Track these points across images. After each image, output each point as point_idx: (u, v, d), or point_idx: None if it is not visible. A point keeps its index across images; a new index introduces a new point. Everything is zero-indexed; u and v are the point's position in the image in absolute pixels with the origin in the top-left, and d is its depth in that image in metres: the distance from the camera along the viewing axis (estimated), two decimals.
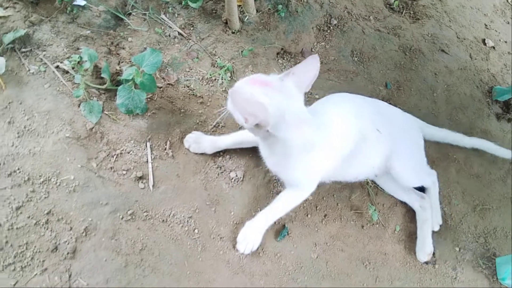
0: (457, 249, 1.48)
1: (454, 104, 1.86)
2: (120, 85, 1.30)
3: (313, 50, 1.76)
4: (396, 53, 1.89)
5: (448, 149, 1.69)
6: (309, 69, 0.96)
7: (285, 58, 1.71)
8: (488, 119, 1.88)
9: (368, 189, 1.50)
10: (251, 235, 1.23)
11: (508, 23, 2.32)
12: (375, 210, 1.44)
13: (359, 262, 1.37)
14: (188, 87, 1.50)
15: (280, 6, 1.72)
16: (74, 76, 1.26)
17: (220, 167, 1.39)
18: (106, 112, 1.30)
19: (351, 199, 1.48)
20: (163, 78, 1.48)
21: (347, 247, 1.39)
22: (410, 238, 1.46)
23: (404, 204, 1.51)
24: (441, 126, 1.68)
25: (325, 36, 1.80)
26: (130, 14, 1.56)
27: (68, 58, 1.32)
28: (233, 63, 1.60)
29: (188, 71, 1.54)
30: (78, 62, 1.29)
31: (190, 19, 1.63)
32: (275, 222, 1.33)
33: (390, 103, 1.62)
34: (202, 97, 1.50)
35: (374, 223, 1.45)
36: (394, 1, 2.09)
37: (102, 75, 1.30)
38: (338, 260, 1.35)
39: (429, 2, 2.15)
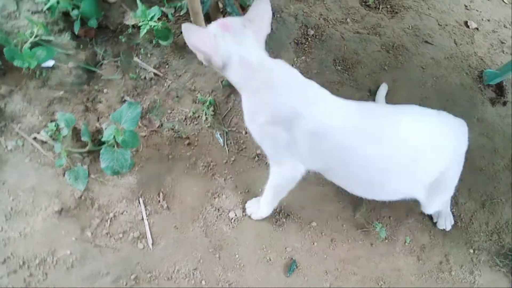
0: (471, 251, 1.45)
1: (446, 96, 1.81)
2: (103, 144, 1.26)
3: (294, 66, 1.71)
4: (380, 53, 1.84)
5: None
6: (262, 12, 0.99)
7: None
8: (483, 106, 1.84)
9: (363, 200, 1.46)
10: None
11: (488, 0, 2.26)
12: (381, 226, 1.41)
13: (373, 283, 1.34)
14: (172, 129, 1.46)
15: None
16: (53, 146, 1.22)
17: (218, 209, 1.36)
18: (93, 176, 1.27)
19: (356, 217, 1.45)
20: (145, 126, 1.44)
21: (358, 269, 1.36)
22: (422, 248, 1.43)
23: (411, 212, 1.48)
24: None
25: (304, 49, 1.75)
26: (101, 64, 1.51)
27: (44, 127, 1.28)
28: (215, 95, 1.55)
29: (170, 113, 1.50)
30: (56, 129, 1.25)
31: (164, 57, 1.58)
32: (282, 257, 1.31)
33: None
34: (188, 138, 1.46)
35: (382, 239, 1.42)
36: None
37: (82, 138, 1.26)
38: (351, 284, 1.33)
39: None
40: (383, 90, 1.68)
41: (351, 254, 1.38)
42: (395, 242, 1.43)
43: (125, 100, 1.47)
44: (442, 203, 1.33)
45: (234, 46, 0.95)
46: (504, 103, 1.86)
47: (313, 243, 1.38)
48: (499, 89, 1.89)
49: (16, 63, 1.23)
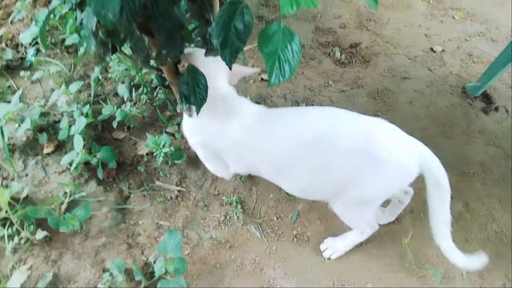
0: None
1: (442, 121, 1.92)
2: (154, 277, 1.33)
3: None
4: (368, 103, 1.99)
5: (460, 165, 1.73)
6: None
7: None
8: (478, 118, 1.94)
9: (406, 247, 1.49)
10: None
11: (441, 22, 2.49)
12: (434, 268, 1.43)
13: None
14: (211, 238, 1.53)
15: None
16: None
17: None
18: None
19: (406, 266, 1.46)
20: (186, 243, 1.51)
21: None
22: (481, 276, 1.43)
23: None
24: (442, 148, 1.74)
25: None
26: (129, 198, 1.63)
27: (99, 278, 1.35)
28: (238, 193, 1.65)
29: (204, 223, 1.58)
30: (111, 277, 1.32)
31: (182, 173, 1.71)
32: None
33: None
34: (228, 241, 1.53)
35: (440, 280, 1.43)
36: (341, 55, 2.23)
37: (136, 278, 1.33)
38: None
39: (369, 42, 2.32)
40: None
41: None
42: (454, 279, 1.44)
43: (160, 225, 1.56)
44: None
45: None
46: (496, 109, 1.97)
47: None
48: (486, 98, 2.02)
49: (62, 229, 1.34)
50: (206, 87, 1.08)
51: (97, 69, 1.40)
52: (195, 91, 1.08)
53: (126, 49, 1.49)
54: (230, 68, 0.85)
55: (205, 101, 1.09)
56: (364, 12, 2.50)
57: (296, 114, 1.24)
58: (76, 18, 1.02)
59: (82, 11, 0.96)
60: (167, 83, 1.28)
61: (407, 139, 1.14)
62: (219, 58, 1.26)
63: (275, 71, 0.76)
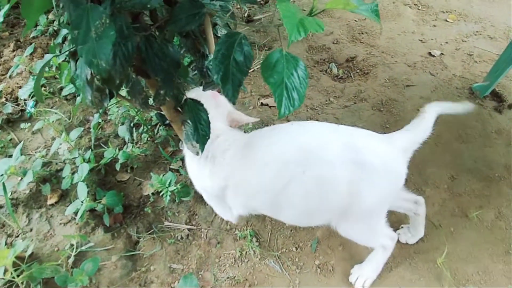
0: None
1: (455, 125, 1.85)
2: None
3: None
4: (375, 116, 1.93)
5: (483, 170, 1.63)
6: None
7: None
8: (492, 118, 1.86)
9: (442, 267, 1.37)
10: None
11: (434, 26, 2.47)
12: None
13: None
14: (228, 278, 1.43)
15: None
16: None
17: None
18: None
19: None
20: (201, 286, 1.41)
21: None
22: None
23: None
24: (461, 154, 1.66)
25: None
26: (137, 242, 1.54)
27: None
28: (252, 226, 1.56)
29: (219, 261, 1.48)
30: None
31: (191, 210, 1.63)
32: None
33: None
34: (247, 279, 1.42)
35: None
36: (338, 70, 2.20)
37: None
38: None
39: (365, 54, 2.29)
40: None
41: None
42: None
43: (173, 269, 1.46)
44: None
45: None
46: (509, 106, 1.90)
47: None
48: (496, 96, 1.95)
49: (71, 286, 1.25)
50: (208, 123, 1.02)
51: (96, 115, 1.37)
52: (198, 128, 1.03)
53: (124, 91, 1.48)
54: (234, 103, 0.80)
55: (209, 137, 1.03)
56: (355, 26, 2.49)
57: (274, 133, 1.15)
58: (70, 68, 0.99)
59: (76, 61, 0.94)
60: (167, 121, 1.24)
61: (386, 139, 1.13)
62: (221, 102, 1.25)
63: (284, 102, 0.70)
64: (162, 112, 1.21)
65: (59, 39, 1.06)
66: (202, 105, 1.01)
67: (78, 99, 1.19)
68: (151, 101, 1.03)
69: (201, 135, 1.00)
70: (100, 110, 1.34)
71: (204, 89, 1.12)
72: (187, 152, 1.24)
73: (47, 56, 0.92)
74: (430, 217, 1.52)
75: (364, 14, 0.73)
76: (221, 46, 0.73)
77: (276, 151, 1.10)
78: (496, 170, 1.64)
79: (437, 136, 1.79)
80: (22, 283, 1.31)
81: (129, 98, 1.34)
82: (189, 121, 1.00)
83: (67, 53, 0.95)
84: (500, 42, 2.30)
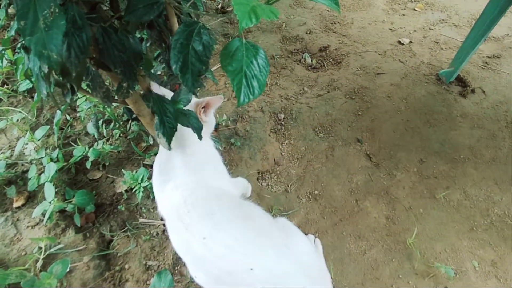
0: None
1: (423, 110, 1.90)
2: None
3: (282, 153, 1.77)
4: (347, 104, 1.95)
5: (449, 152, 1.70)
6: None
7: (265, 178, 1.70)
8: (457, 102, 1.93)
9: (412, 247, 1.42)
10: None
11: (403, 15, 2.52)
12: (445, 265, 1.36)
13: None
14: None
15: (232, 139, 1.75)
16: None
17: None
18: None
19: (416, 267, 1.39)
20: (178, 281, 1.40)
21: None
22: (494, 264, 1.37)
23: (459, 234, 1.44)
24: (428, 138, 1.71)
25: (283, 133, 1.83)
26: (112, 242, 1.51)
27: None
28: None
29: None
30: None
31: None
32: None
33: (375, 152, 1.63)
34: None
35: (453, 277, 1.35)
36: (312, 60, 2.21)
37: None
38: None
39: (337, 43, 2.31)
40: None
41: None
42: (467, 273, 1.36)
43: (148, 266, 1.44)
44: None
45: None
46: (473, 91, 1.97)
47: None
48: (461, 81, 2.01)
49: None
50: (174, 115, 1.00)
51: (58, 112, 1.31)
52: (163, 120, 1.00)
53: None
54: (194, 93, 0.77)
55: (176, 129, 1.01)
56: (327, 16, 2.51)
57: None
58: (24, 62, 0.94)
59: (28, 54, 0.89)
60: (135, 115, 1.20)
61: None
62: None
63: (243, 90, 0.69)
64: (128, 106, 1.18)
65: (12, 32, 1.00)
66: (167, 99, 0.99)
67: (36, 96, 1.13)
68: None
69: (167, 127, 0.98)
70: (63, 107, 1.29)
71: (169, 81, 1.09)
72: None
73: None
74: (401, 200, 1.57)
75: (323, 3, 0.73)
76: (180, 35, 0.71)
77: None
78: (462, 152, 1.70)
79: (406, 121, 1.84)
80: None
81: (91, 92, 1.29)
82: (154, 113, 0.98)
83: (19, 47, 0.90)
84: (464, 29, 2.37)
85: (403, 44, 2.27)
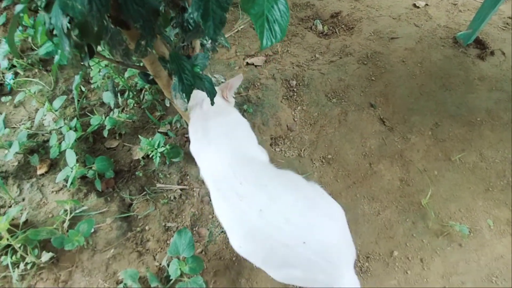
0: None
1: (439, 74, 1.86)
2: (170, 281, 1.27)
3: (295, 119, 1.78)
4: (360, 69, 1.93)
5: (466, 115, 1.68)
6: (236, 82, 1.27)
7: (279, 143, 1.71)
8: (475, 65, 1.88)
9: (427, 207, 1.43)
10: None
11: None
12: (460, 224, 1.37)
13: (486, 283, 1.27)
14: (223, 232, 1.47)
15: (245, 106, 1.76)
16: None
17: None
18: None
19: (430, 227, 1.41)
20: (197, 241, 1.45)
21: (464, 276, 1.29)
22: (509, 223, 1.38)
23: (475, 194, 1.45)
24: (444, 102, 1.69)
25: (296, 100, 1.83)
26: (132, 205, 1.57)
27: None
28: None
29: (213, 217, 1.52)
30: None
31: (182, 171, 1.65)
32: None
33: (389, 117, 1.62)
34: None
35: (468, 235, 1.37)
36: (323, 27, 2.17)
37: (151, 285, 1.27)
38: None
39: (349, 9, 2.25)
40: None
41: (448, 265, 1.32)
42: (481, 231, 1.38)
43: (168, 227, 1.50)
44: None
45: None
46: (492, 53, 1.91)
47: (406, 272, 1.33)
48: (480, 44, 1.95)
49: (67, 247, 1.28)
50: (192, 72, 1.01)
51: (77, 77, 1.34)
52: (182, 78, 1.02)
53: (105, 52, 1.44)
54: (215, 40, 0.78)
55: (194, 87, 1.02)
56: None
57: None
58: (45, 23, 0.95)
59: (49, 12, 0.90)
60: (151, 77, 1.22)
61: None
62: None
63: (266, 33, 0.69)
64: (144, 71, 1.19)
65: None
66: (182, 55, 1.00)
67: (56, 57, 1.15)
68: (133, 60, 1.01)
69: (186, 85, 1.00)
70: (81, 72, 1.31)
71: (186, 41, 1.09)
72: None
73: (18, 7, 0.88)
74: (415, 162, 1.57)
75: None
76: None
77: None
78: (478, 115, 1.68)
79: (421, 85, 1.82)
80: (19, 247, 1.33)
81: (109, 57, 1.31)
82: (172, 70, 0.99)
83: (40, 6, 0.91)
84: None
85: (418, 7, 2.20)
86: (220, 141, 1.13)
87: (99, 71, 1.77)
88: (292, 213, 0.93)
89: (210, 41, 1.48)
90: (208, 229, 1.48)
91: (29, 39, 2.11)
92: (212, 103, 1.12)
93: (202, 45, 1.52)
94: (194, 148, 1.20)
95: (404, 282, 1.29)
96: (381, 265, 1.34)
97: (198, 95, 1.27)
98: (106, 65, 1.69)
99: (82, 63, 1.01)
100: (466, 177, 1.51)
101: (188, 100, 1.02)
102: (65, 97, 1.74)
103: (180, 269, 1.23)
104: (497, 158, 1.55)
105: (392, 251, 1.37)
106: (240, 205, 0.96)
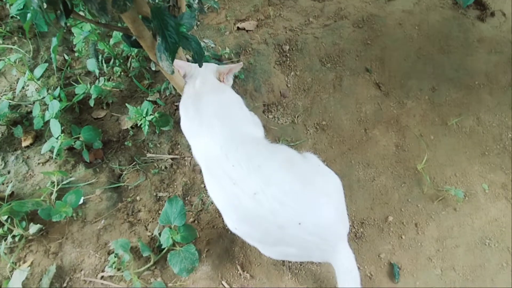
0: None
1: (437, 36, 1.79)
2: (162, 250, 1.25)
3: (288, 85, 1.72)
4: (355, 33, 1.85)
5: (464, 79, 1.63)
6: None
7: (272, 110, 1.66)
8: (475, 27, 1.81)
9: (422, 172, 1.41)
10: None
11: None
12: (455, 188, 1.36)
13: (480, 245, 1.27)
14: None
15: (236, 72, 1.69)
16: (122, 275, 1.21)
17: None
18: (170, 285, 1.25)
19: (425, 192, 1.39)
20: (189, 211, 1.43)
21: (458, 239, 1.29)
22: (504, 187, 1.36)
23: (471, 158, 1.43)
24: (442, 65, 1.64)
25: (289, 65, 1.76)
26: (122, 176, 1.53)
27: (105, 262, 1.27)
28: None
29: (204, 187, 1.49)
30: (117, 258, 1.24)
31: (173, 140, 1.60)
32: (380, 266, 1.25)
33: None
34: None
35: (462, 199, 1.36)
36: None
37: (143, 254, 1.25)
38: (460, 258, 1.26)
39: None
40: None
41: (442, 229, 1.32)
42: (476, 195, 1.37)
43: (159, 197, 1.47)
44: None
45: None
46: (492, 14, 1.84)
47: (401, 237, 1.32)
48: (479, 4, 1.87)
49: (55, 218, 1.24)
50: (176, 30, 0.94)
51: (54, 39, 1.25)
52: (165, 35, 0.94)
53: (81, 11, 1.35)
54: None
55: (178, 45, 0.95)
56: None
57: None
58: None
59: None
60: (133, 38, 1.14)
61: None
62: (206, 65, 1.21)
63: None
64: (129, 34, 1.11)
65: None
66: (166, 10, 0.92)
67: (29, 15, 1.07)
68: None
69: (170, 43, 0.93)
70: (58, 34, 1.22)
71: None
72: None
73: None
74: (411, 128, 1.53)
75: None
76: None
77: None
78: (477, 78, 1.63)
79: (418, 49, 1.75)
80: (6, 220, 1.30)
81: (86, 17, 1.22)
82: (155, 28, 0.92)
83: None
84: None
85: None
86: (212, 122, 1.09)
87: (84, 39, 1.67)
88: (286, 196, 0.92)
89: (197, 0, 1.39)
90: (200, 199, 1.45)
91: (7, 6, 1.99)
92: (200, 65, 1.06)
93: (189, 6, 1.43)
94: (185, 127, 1.18)
95: (399, 247, 1.29)
96: (375, 231, 1.34)
97: (192, 67, 1.24)
98: (90, 31, 1.59)
99: (59, 23, 0.93)
100: (463, 142, 1.48)
101: (172, 60, 0.95)
102: (46, 65, 1.66)
103: (172, 238, 1.20)
104: (494, 122, 1.52)
105: (387, 216, 1.36)
106: (233, 189, 0.94)
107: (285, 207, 0.90)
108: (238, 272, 1.29)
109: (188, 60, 1.41)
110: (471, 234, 1.29)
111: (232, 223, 0.99)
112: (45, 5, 0.89)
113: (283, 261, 1.30)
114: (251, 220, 0.94)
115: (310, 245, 0.93)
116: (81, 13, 1.34)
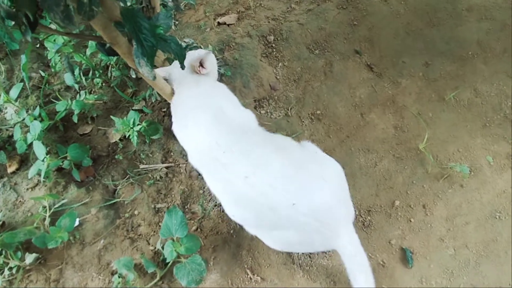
0: None
1: (425, 10, 1.74)
2: (168, 263, 1.20)
3: (277, 77, 1.66)
4: (340, 15, 1.78)
5: (456, 50, 1.58)
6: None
7: (263, 105, 1.60)
8: None
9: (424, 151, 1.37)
10: None
11: None
12: (460, 164, 1.32)
13: (491, 219, 1.24)
14: (216, 206, 1.40)
15: (222, 70, 1.62)
16: None
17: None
18: None
19: (430, 172, 1.36)
20: (190, 219, 1.38)
21: (467, 216, 1.26)
22: (509, 157, 1.33)
23: (472, 132, 1.39)
24: (432, 39, 1.59)
25: (276, 56, 1.70)
26: (115, 191, 1.47)
27: (109, 283, 1.22)
28: None
29: (203, 192, 1.44)
30: (122, 278, 1.20)
31: (165, 148, 1.54)
32: (393, 253, 1.22)
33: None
34: None
35: (468, 175, 1.32)
36: None
37: (148, 270, 1.20)
38: (472, 235, 1.23)
39: None
40: None
41: (451, 208, 1.28)
42: (481, 169, 1.33)
43: (158, 209, 1.41)
44: None
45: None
46: None
47: (409, 221, 1.29)
48: None
49: (51, 245, 1.19)
50: (152, 32, 0.87)
51: (23, 56, 1.18)
52: (140, 39, 0.88)
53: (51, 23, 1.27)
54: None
55: (156, 48, 0.89)
56: None
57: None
58: None
59: None
60: (108, 45, 1.07)
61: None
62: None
63: None
64: (102, 42, 1.04)
65: None
66: (139, 11, 0.85)
67: None
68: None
69: (146, 46, 0.86)
70: (26, 50, 1.15)
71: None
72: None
73: None
74: (409, 107, 1.49)
75: None
76: None
77: None
78: (469, 49, 1.58)
79: (407, 24, 1.70)
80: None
81: (58, 29, 1.14)
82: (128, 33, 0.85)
83: None
84: None
85: None
86: (197, 114, 1.09)
87: (58, 53, 1.59)
88: (277, 178, 0.93)
89: None
90: (200, 206, 1.40)
91: None
92: (183, 67, 1.00)
93: (164, 5, 1.35)
94: (176, 130, 1.17)
95: (409, 231, 1.26)
96: (383, 217, 1.30)
97: (168, 70, 1.23)
98: (63, 43, 1.51)
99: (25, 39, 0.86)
100: (462, 115, 1.44)
101: (152, 65, 0.89)
102: (21, 84, 1.58)
103: (175, 250, 1.16)
104: (492, 91, 1.48)
105: (393, 201, 1.32)
106: (225, 174, 0.96)
107: (275, 189, 0.91)
108: (248, 276, 1.25)
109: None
110: (480, 209, 1.26)
111: (230, 209, 1.02)
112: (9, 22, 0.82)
113: (293, 259, 1.26)
114: (244, 203, 0.96)
115: (307, 227, 0.93)
116: (52, 26, 1.27)
